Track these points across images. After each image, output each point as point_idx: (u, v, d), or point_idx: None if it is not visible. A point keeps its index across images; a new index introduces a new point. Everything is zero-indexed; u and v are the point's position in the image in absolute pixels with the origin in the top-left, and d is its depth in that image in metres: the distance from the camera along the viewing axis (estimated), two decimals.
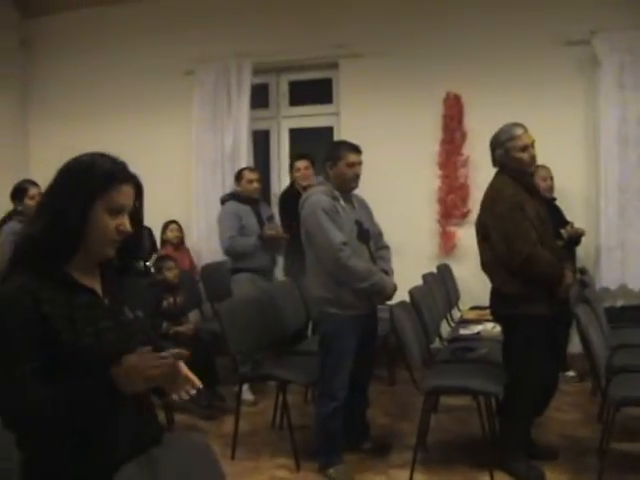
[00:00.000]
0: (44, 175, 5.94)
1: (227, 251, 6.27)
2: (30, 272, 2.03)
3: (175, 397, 2.05)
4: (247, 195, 6.33)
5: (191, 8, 8.23)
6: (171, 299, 6.00)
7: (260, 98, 8.21)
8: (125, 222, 2.12)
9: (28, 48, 9.07)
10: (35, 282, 2.01)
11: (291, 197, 6.64)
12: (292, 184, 6.95)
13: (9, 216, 5.72)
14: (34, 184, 5.68)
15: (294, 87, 8.25)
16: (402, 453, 4.89)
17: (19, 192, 5.68)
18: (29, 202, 5.61)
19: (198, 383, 2.15)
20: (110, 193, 2.08)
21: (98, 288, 2.19)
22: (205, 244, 7.89)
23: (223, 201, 6.46)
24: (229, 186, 7.46)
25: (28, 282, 2.01)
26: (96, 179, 2.07)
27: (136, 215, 2.21)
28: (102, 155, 2.15)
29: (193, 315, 7.00)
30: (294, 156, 7.16)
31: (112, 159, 2.15)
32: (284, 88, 8.25)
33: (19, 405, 1.96)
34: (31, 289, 2.00)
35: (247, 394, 5.92)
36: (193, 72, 8.15)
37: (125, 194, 2.13)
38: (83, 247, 2.10)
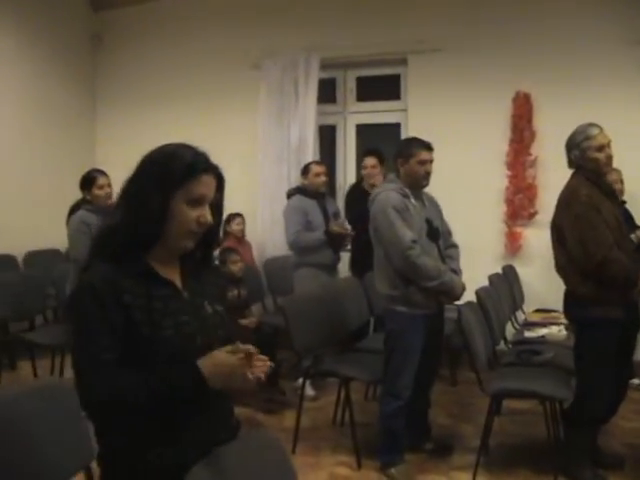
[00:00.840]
0: (108, 164, 6.03)
1: (292, 245, 6.26)
2: (111, 262, 2.04)
3: (250, 376, 2.01)
4: (314, 189, 6.30)
5: (260, 2, 8.26)
6: (235, 292, 6.00)
7: (327, 93, 8.18)
8: (206, 213, 2.10)
9: (98, 40, 9.23)
10: (116, 272, 2.02)
11: (357, 194, 6.63)
12: (359, 181, 6.95)
13: (77, 205, 5.74)
14: (102, 173, 5.68)
15: (362, 83, 8.21)
16: (464, 455, 4.85)
17: (87, 181, 5.67)
18: (97, 191, 5.61)
19: (269, 363, 2.09)
20: (190, 183, 2.07)
21: (178, 281, 2.18)
22: (269, 238, 7.91)
23: (289, 195, 6.46)
24: (294, 180, 7.46)
25: (109, 272, 2.02)
26: (177, 169, 2.06)
27: (217, 207, 2.19)
28: (185, 146, 2.15)
29: (255, 308, 7.01)
30: (363, 152, 7.09)
31: (194, 150, 2.13)
32: (351, 83, 8.22)
33: (105, 390, 1.97)
34: (112, 279, 2.01)
35: (308, 389, 5.88)
36: (260, 65, 8.17)
37: (205, 184, 2.11)
38: (163, 238, 2.09)
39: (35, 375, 6.10)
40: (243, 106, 8.27)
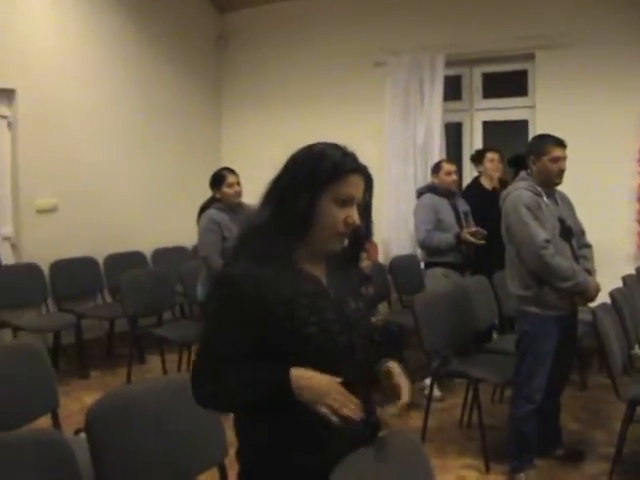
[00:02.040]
0: (234, 163, 6.12)
1: (422, 244, 6.19)
2: (255, 259, 2.04)
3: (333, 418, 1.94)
4: (445, 188, 6.21)
5: (382, 0, 8.23)
6: (363, 290, 5.96)
7: (453, 90, 8.09)
8: (353, 214, 2.08)
9: (223, 41, 9.40)
10: (259, 268, 2.02)
11: (475, 191, 6.57)
12: (476, 178, 6.88)
13: (208, 203, 5.80)
14: (232, 172, 5.72)
15: (488, 79, 8.07)
16: (596, 463, 4.69)
17: (217, 180, 5.72)
18: (227, 190, 5.64)
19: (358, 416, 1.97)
20: (338, 183, 2.05)
21: (324, 278, 2.17)
22: (394, 236, 7.87)
23: (420, 193, 6.38)
24: (420, 179, 7.43)
25: (252, 268, 2.02)
26: (325, 169, 2.05)
27: (366, 207, 2.17)
28: (333, 145, 2.13)
29: (381, 307, 6.99)
30: (482, 149, 7.05)
31: (343, 150, 2.11)
32: (477, 80, 8.08)
33: (213, 386, 2.01)
34: (255, 274, 2.01)
35: (435, 390, 5.83)
36: (384, 63, 8.15)
37: (353, 184, 2.08)
38: (309, 238, 2.08)
39: (164, 370, 6.22)
40: (368, 105, 8.27)
